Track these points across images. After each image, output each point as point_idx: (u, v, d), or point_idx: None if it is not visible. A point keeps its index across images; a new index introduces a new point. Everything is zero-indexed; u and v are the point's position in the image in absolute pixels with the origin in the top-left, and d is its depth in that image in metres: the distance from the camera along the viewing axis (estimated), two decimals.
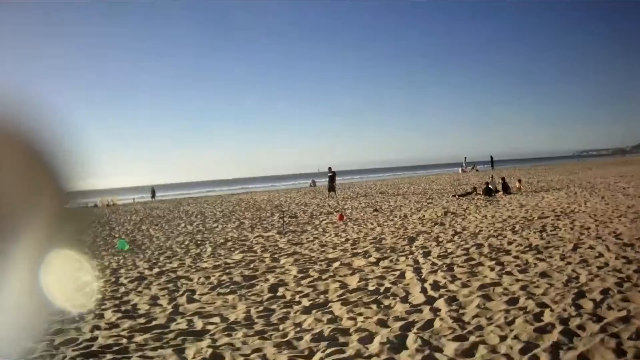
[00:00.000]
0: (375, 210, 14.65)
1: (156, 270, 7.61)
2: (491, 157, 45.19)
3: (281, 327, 4.40)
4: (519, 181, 18.16)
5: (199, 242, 10.65)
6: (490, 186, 17.26)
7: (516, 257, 6.46)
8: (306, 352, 3.73)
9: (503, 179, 18.16)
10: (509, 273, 5.70)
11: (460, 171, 45.79)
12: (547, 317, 4.07)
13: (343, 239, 9.42)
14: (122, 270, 7.78)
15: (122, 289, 6.41)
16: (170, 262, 8.28)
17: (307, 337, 4.05)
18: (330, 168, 22.81)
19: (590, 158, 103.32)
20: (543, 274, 5.43)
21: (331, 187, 22.43)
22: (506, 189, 17.17)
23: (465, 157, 51.31)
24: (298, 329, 4.31)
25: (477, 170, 45.25)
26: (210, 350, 3.85)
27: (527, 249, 6.93)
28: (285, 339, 4.04)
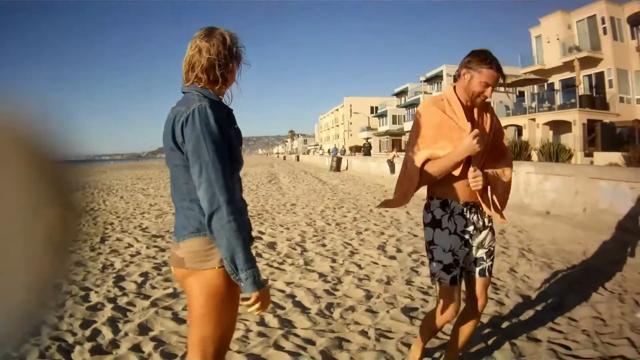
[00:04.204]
0: None
1: None
2: None
3: None
4: None
5: None
6: None
7: None
8: None
9: None
10: None
11: None
12: (95, 298, 4.45)
13: None
14: None
15: None
16: None
17: None
18: None
19: (104, 162, 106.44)
20: (78, 263, 5.71)
21: None
22: None
23: None
24: None
25: None
26: None
27: None
28: None
